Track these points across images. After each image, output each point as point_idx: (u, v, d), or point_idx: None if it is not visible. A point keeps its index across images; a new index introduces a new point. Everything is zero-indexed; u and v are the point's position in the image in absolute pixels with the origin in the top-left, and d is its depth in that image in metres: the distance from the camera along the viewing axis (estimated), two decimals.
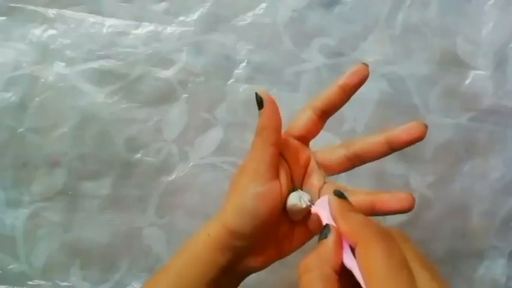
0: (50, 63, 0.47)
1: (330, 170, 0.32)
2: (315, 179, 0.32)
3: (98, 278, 0.48)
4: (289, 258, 0.32)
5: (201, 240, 0.31)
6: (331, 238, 0.24)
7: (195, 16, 0.48)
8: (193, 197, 0.49)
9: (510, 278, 0.51)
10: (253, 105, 0.31)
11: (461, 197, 0.50)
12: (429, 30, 0.49)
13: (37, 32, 0.47)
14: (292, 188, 0.32)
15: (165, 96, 0.48)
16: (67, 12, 0.48)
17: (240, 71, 0.49)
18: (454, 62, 0.50)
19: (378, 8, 0.49)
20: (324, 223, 0.27)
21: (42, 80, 0.47)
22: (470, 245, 0.51)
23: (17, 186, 0.47)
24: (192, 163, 0.49)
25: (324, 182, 0.32)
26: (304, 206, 0.30)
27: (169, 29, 0.48)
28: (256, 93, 0.30)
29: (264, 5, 0.49)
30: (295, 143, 0.32)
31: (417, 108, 0.49)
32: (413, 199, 0.29)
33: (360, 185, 0.48)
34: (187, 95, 0.48)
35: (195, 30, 0.48)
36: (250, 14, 0.49)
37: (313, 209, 0.30)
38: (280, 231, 0.32)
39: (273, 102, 0.30)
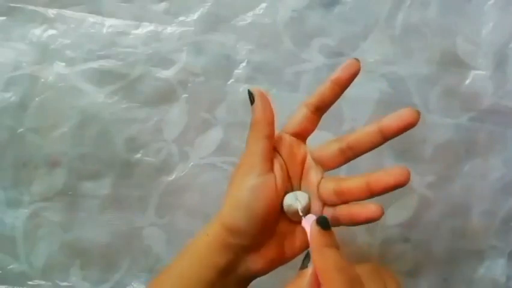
0: (50, 63, 0.47)
1: (326, 166, 0.32)
2: (312, 175, 0.32)
3: (98, 278, 0.48)
4: None
5: (201, 241, 0.31)
6: (309, 270, 0.24)
7: (195, 16, 0.48)
8: (193, 197, 0.49)
9: (510, 278, 0.51)
10: None
11: (461, 197, 0.50)
12: (429, 30, 0.49)
13: (37, 32, 0.47)
14: (291, 189, 0.32)
15: (165, 96, 0.48)
16: (67, 12, 0.48)
17: (240, 71, 0.49)
18: (454, 62, 0.50)
19: (378, 8, 0.49)
20: (310, 241, 0.27)
21: (42, 80, 0.47)
22: (470, 245, 0.51)
23: (17, 186, 0.47)
24: (192, 163, 0.49)
25: (322, 177, 0.32)
26: (299, 207, 0.30)
27: (169, 29, 0.48)
28: (248, 90, 0.31)
29: (264, 5, 0.49)
30: (290, 139, 0.32)
31: (417, 108, 0.49)
32: (408, 171, 0.28)
33: None
34: (187, 95, 0.48)
35: (195, 30, 0.48)
36: (250, 14, 0.49)
37: (303, 223, 0.30)
38: (279, 230, 0.32)
39: (264, 97, 0.31)
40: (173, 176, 0.49)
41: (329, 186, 0.31)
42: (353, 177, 0.30)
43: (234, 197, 0.30)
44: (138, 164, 0.48)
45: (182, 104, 0.48)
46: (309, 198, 0.31)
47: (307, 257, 0.24)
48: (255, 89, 0.31)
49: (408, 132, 0.30)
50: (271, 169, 0.31)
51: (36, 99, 0.47)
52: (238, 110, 0.49)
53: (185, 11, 0.48)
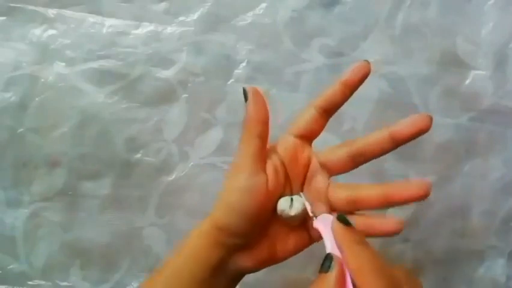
0: (50, 63, 0.47)
1: (333, 171, 0.31)
2: (319, 181, 0.31)
3: (98, 278, 0.48)
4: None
5: (194, 237, 0.31)
6: (334, 274, 0.22)
7: (195, 16, 0.48)
8: (193, 197, 0.49)
9: (510, 278, 0.51)
10: None
11: (461, 197, 0.50)
12: (429, 30, 0.49)
13: (37, 32, 0.47)
14: (291, 193, 0.31)
15: (165, 96, 0.48)
16: (67, 12, 0.48)
17: (240, 71, 0.49)
18: (454, 62, 0.50)
19: (378, 8, 0.49)
20: (326, 245, 0.25)
21: (42, 80, 0.47)
22: (470, 245, 0.51)
23: (17, 186, 0.47)
24: (191, 163, 0.49)
25: (328, 183, 0.31)
26: (292, 214, 0.30)
27: (169, 29, 0.48)
28: (243, 88, 0.30)
29: (264, 5, 0.49)
30: (293, 140, 0.31)
31: (417, 108, 0.49)
32: (429, 185, 0.27)
33: None
34: (187, 95, 0.48)
35: (195, 30, 0.48)
36: (250, 14, 0.49)
37: (315, 224, 0.29)
38: (272, 231, 0.31)
39: (258, 94, 0.30)
40: (173, 176, 0.49)
41: (340, 194, 0.30)
42: (368, 186, 0.29)
43: (224, 199, 0.30)
44: (138, 164, 0.48)
45: (182, 104, 0.48)
46: (304, 204, 0.30)
47: (328, 259, 0.23)
48: (250, 86, 0.30)
49: None
50: (263, 170, 0.30)
51: (36, 99, 0.47)
52: (238, 110, 0.49)
53: (185, 11, 0.48)
